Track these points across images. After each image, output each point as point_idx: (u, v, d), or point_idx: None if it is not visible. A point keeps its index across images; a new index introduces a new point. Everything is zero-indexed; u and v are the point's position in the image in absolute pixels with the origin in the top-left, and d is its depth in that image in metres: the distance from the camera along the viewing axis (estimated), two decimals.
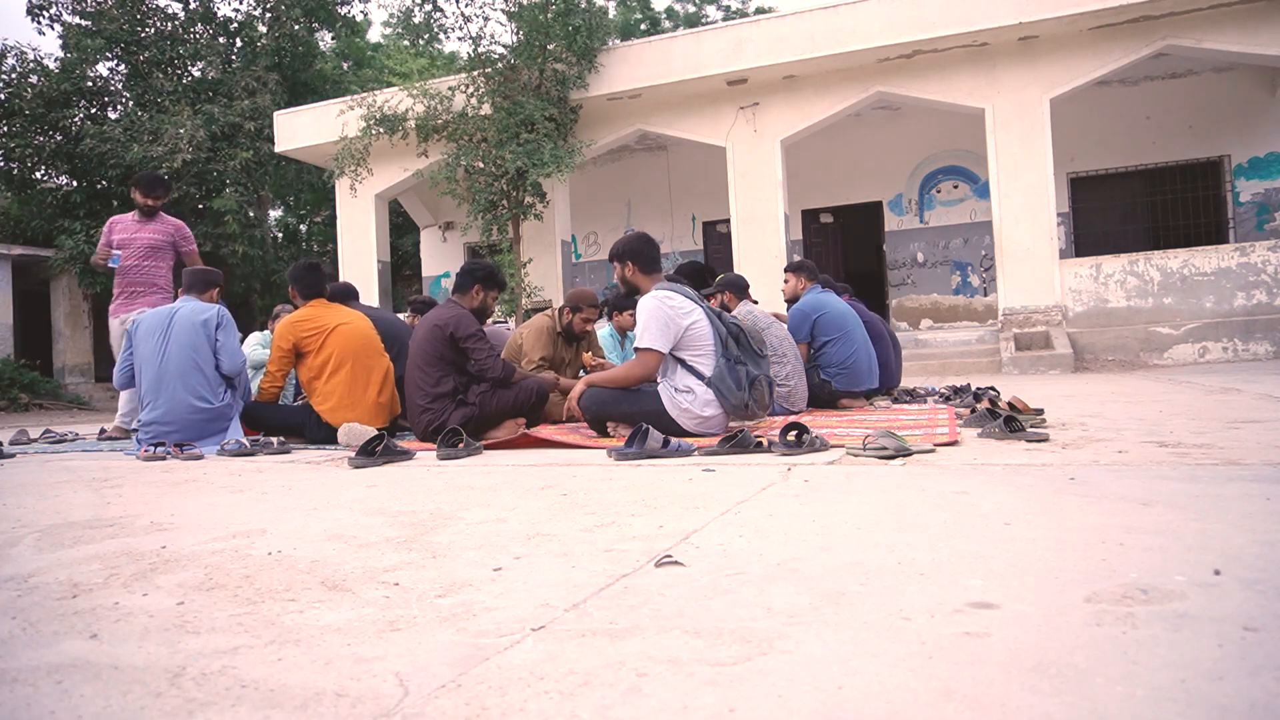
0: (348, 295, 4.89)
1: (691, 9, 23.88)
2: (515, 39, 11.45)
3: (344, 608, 1.13)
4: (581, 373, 4.61)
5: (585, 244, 15.27)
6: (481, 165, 11.09)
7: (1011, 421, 2.91)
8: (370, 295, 12.70)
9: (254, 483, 2.56)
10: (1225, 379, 6.09)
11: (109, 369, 16.74)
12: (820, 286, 5.31)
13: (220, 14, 16.78)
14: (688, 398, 3.32)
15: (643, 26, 23.30)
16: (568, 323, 4.54)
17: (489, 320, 4.26)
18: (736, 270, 11.44)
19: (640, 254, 3.54)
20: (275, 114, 13.61)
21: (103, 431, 5.24)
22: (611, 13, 15.77)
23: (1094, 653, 0.84)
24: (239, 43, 16.68)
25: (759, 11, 23.19)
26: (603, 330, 5.25)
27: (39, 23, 15.82)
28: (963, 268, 13.21)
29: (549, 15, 10.92)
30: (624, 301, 4.76)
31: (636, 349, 3.38)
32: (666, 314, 3.29)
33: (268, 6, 16.30)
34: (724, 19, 23.32)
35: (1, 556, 1.56)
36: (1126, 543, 1.29)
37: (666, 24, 23.77)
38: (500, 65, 11.39)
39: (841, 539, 1.41)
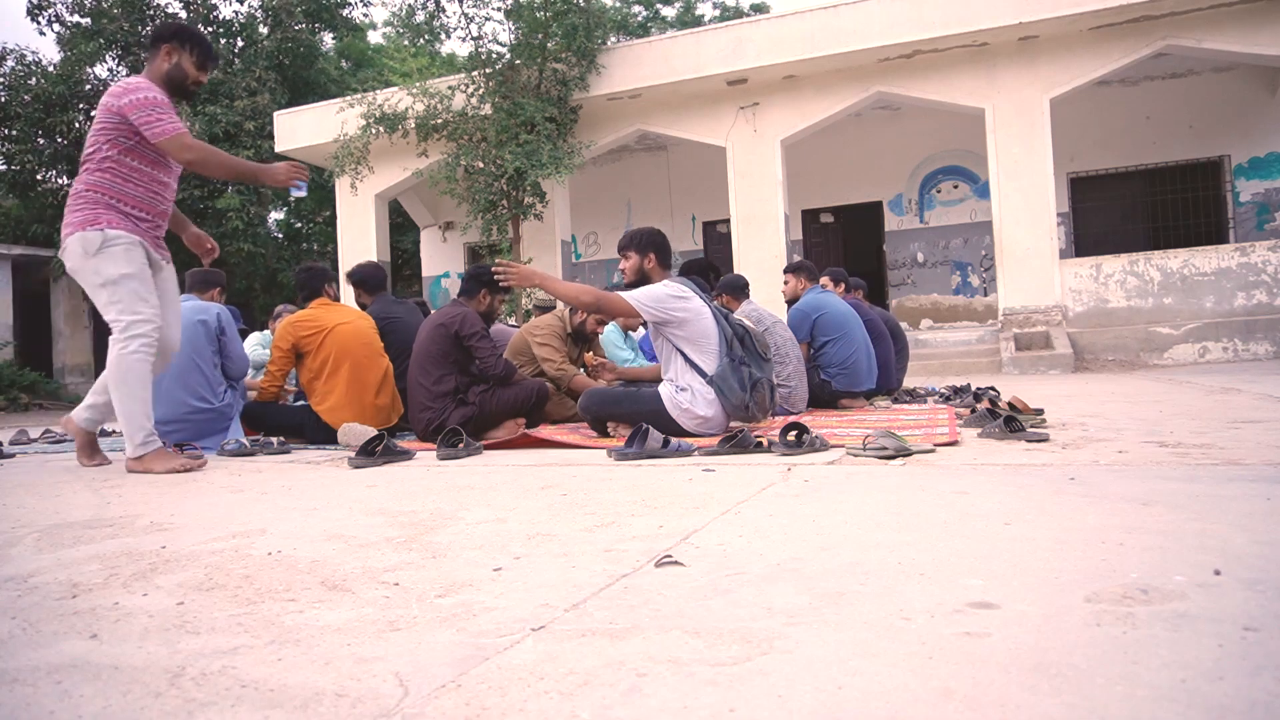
0: (378, 284, 4.81)
1: (682, 7, 23.89)
2: (514, 38, 11.46)
3: (344, 608, 1.13)
4: (582, 371, 4.61)
5: (585, 244, 15.27)
6: (481, 165, 11.10)
7: (1011, 421, 2.91)
8: None
9: (254, 483, 2.56)
10: (1225, 379, 6.09)
11: None
12: (820, 286, 5.31)
13: (221, 16, 16.78)
14: (687, 396, 3.33)
15: (641, 15, 23.30)
16: (580, 323, 4.55)
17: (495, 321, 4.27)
18: (736, 270, 11.44)
19: (663, 248, 3.61)
20: (275, 114, 13.61)
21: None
22: (609, 3, 15.78)
23: (1094, 653, 0.84)
24: (240, 43, 16.68)
25: (755, 9, 23.21)
26: (608, 328, 5.21)
27: (39, 23, 15.83)
28: (963, 268, 13.21)
29: (547, 14, 10.92)
30: None
31: (618, 293, 3.42)
32: (664, 297, 3.34)
33: (269, 8, 16.30)
34: (720, 17, 23.32)
35: (1, 556, 1.56)
36: (1126, 543, 1.29)
37: (665, 11, 23.78)
38: (500, 65, 11.40)
39: (841, 539, 1.41)
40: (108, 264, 2.97)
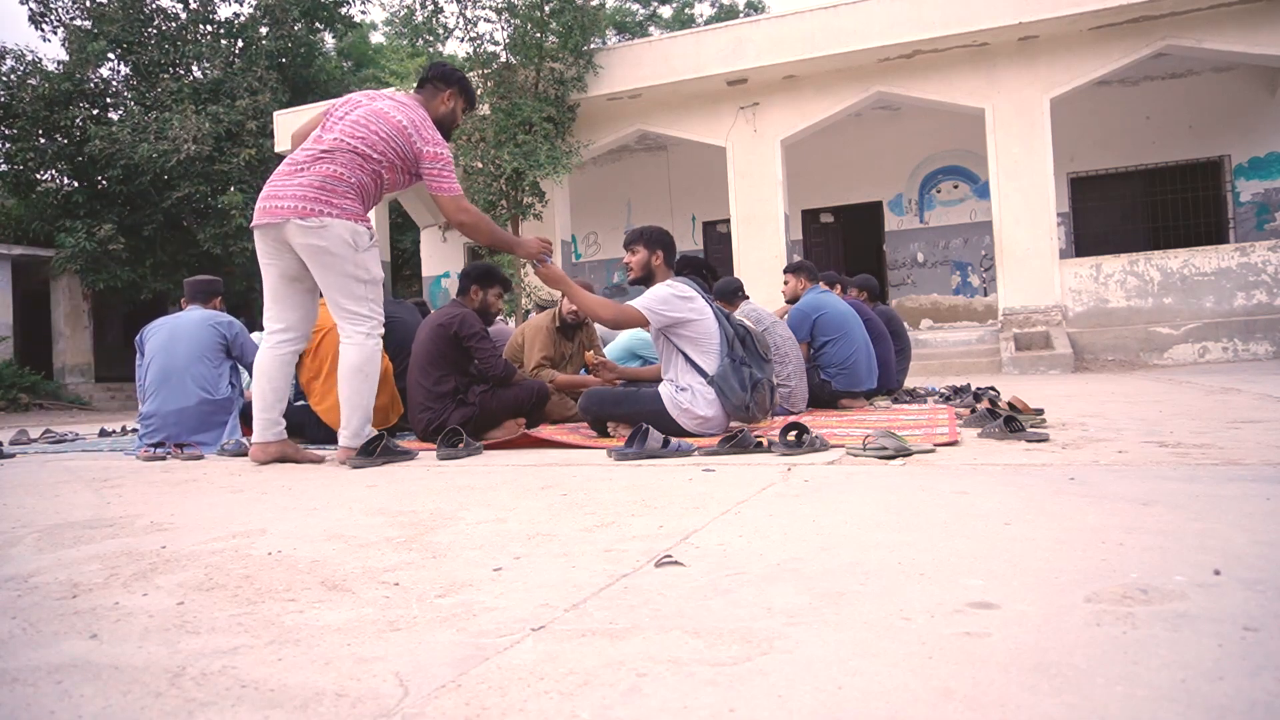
0: None
1: (679, 6, 23.92)
2: (508, 37, 11.45)
3: (344, 608, 1.13)
4: (583, 370, 4.61)
5: (585, 244, 15.27)
6: (480, 165, 11.10)
7: (1011, 421, 2.91)
8: None
9: (254, 483, 2.56)
10: (1225, 379, 6.09)
11: (109, 369, 16.59)
12: (823, 285, 5.31)
13: (221, 16, 16.81)
14: (687, 396, 3.33)
15: (639, 14, 23.32)
16: (564, 314, 4.53)
17: (497, 318, 4.23)
18: (736, 271, 11.44)
19: (670, 247, 3.61)
20: (276, 114, 13.61)
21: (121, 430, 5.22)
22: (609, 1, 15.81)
23: (1094, 653, 0.84)
24: (240, 43, 16.70)
25: (751, 8, 23.21)
26: (625, 338, 5.14)
27: (41, 30, 15.84)
28: (963, 268, 13.21)
29: (543, 12, 10.93)
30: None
31: (628, 304, 3.42)
32: (670, 298, 3.34)
33: (264, 6, 16.31)
34: (717, 17, 23.34)
35: (1, 556, 1.56)
36: (1126, 543, 1.29)
37: (663, 11, 23.82)
38: (497, 65, 11.41)
39: (841, 539, 1.41)
40: (373, 263, 3.08)
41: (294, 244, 2.97)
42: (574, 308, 4.46)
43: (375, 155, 3.01)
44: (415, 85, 3.34)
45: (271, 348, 3.11)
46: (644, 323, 3.38)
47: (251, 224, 3.07)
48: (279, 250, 3.03)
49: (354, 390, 3.04)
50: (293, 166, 3.01)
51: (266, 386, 3.10)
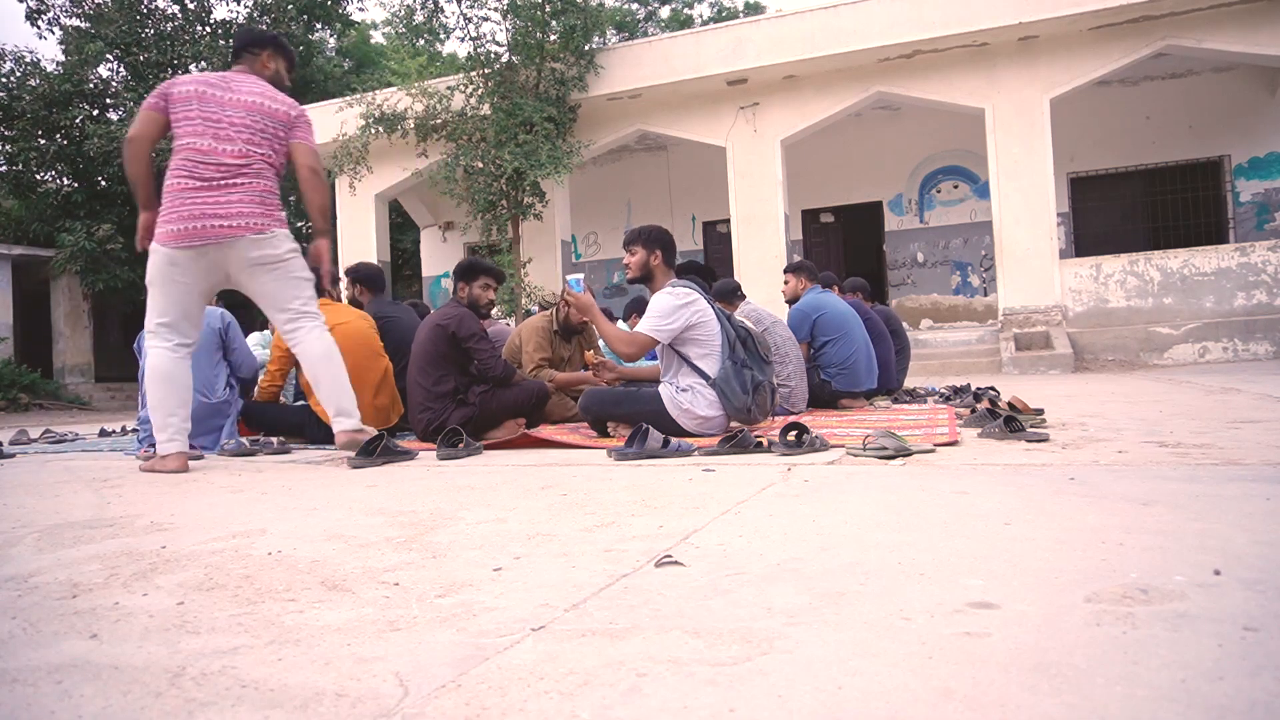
0: (380, 285, 4.77)
1: (677, 6, 23.95)
2: (511, 36, 11.45)
3: (344, 608, 1.13)
4: (582, 371, 4.61)
5: (585, 244, 15.27)
6: (480, 165, 11.10)
7: (1011, 421, 2.91)
8: None
9: (254, 483, 2.56)
10: (1225, 379, 6.10)
11: (109, 369, 16.52)
12: (821, 286, 5.31)
13: (218, 16, 16.83)
14: (688, 397, 3.33)
15: (640, 13, 23.34)
16: (564, 316, 4.53)
17: (492, 314, 4.22)
18: (736, 271, 11.43)
19: (670, 246, 3.59)
20: None
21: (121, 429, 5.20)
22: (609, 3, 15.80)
23: (1094, 653, 0.84)
24: None
25: (750, 8, 23.21)
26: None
27: (38, 27, 15.85)
28: (963, 268, 13.21)
29: (544, 12, 10.93)
30: (642, 306, 4.71)
31: (637, 331, 3.42)
32: (673, 310, 3.33)
33: (265, 7, 16.31)
34: (716, 17, 23.35)
35: (1, 556, 1.56)
36: (1126, 543, 1.29)
37: (664, 11, 23.87)
38: (498, 65, 11.41)
39: (841, 539, 1.41)
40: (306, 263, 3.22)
41: (242, 258, 2.97)
42: (570, 315, 4.48)
43: (275, 155, 3.12)
44: (231, 59, 3.34)
45: (181, 359, 3.04)
46: (655, 344, 3.36)
47: (184, 244, 2.93)
48: (212, 269, 3.01)
49: (332, 375, 3.14)
50: (207, 183, 2.97)
51: (186, 393, 3.05)
